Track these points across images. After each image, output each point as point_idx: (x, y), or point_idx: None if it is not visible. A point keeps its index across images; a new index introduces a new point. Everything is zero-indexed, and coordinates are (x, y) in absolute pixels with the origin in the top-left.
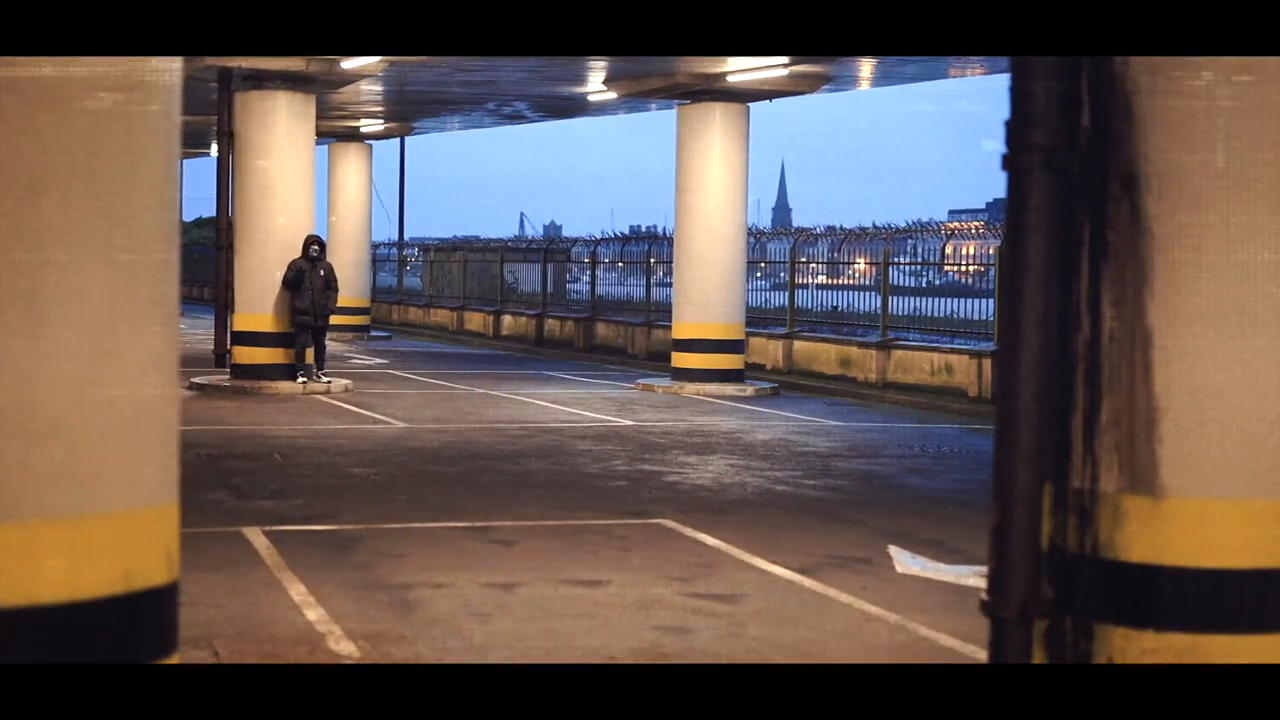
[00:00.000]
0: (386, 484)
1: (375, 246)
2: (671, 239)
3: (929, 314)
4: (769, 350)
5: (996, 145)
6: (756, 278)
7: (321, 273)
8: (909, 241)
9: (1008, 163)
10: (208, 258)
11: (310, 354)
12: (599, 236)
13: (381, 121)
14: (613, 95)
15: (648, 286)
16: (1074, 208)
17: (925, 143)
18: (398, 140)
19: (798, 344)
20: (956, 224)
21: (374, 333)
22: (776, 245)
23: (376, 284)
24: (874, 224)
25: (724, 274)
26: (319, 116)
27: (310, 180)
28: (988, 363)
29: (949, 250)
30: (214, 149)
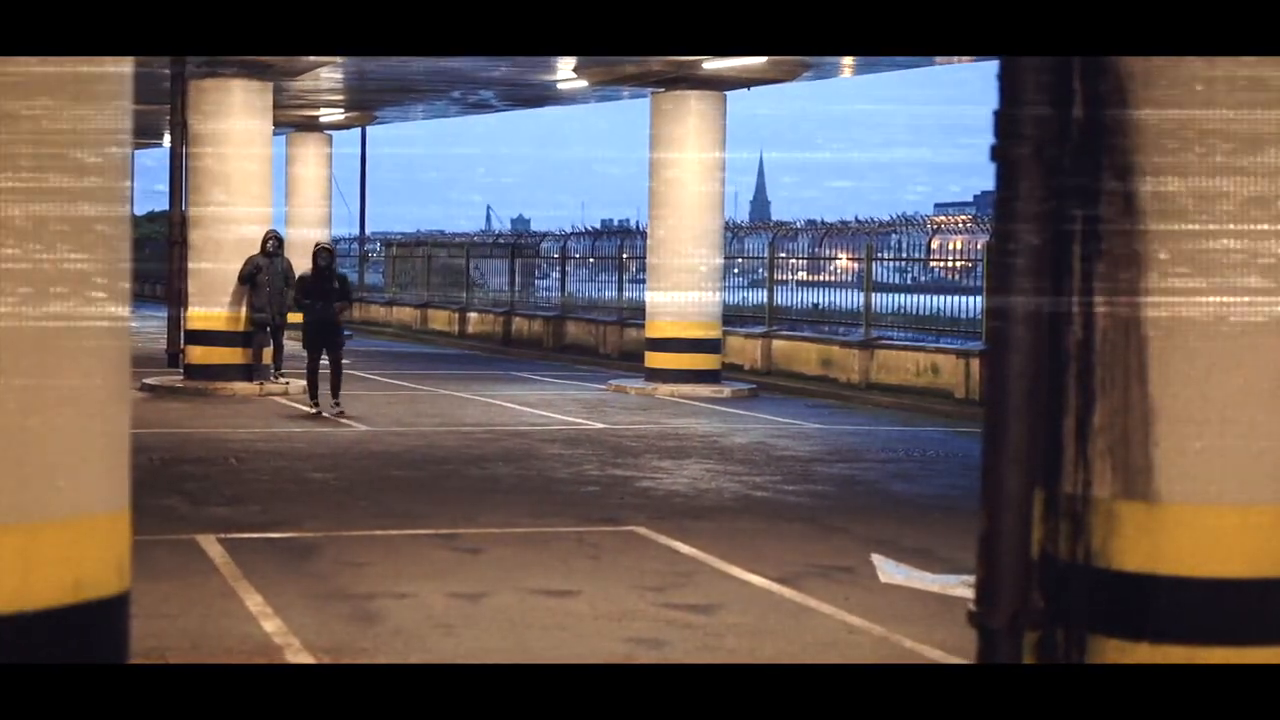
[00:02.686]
0: (347, 489)
1: (335, 241)
2: (645, 234)
3: (914, 312)
4: (747, 350)
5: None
6: (734, 274)
7: (280, 269)
8: (893, 236)
9: (997, 153)
10: (160, 253)
11: (268, 353)
12: (569, 231)
13: (342, 110)
14: (583, 83)
15: (620, 283)
16: (1066, 200)
17: (911, 133)
18: (358, 130)
19: (777, 343)
20: (943, 218)
21: None
22: (755, 240)
23: None
24: (856, 218)
25: (700, 270)
26: (276, 105)
27: (267, 172)
28: (975, 363)
29: (935, 245)
30: (166, 140)
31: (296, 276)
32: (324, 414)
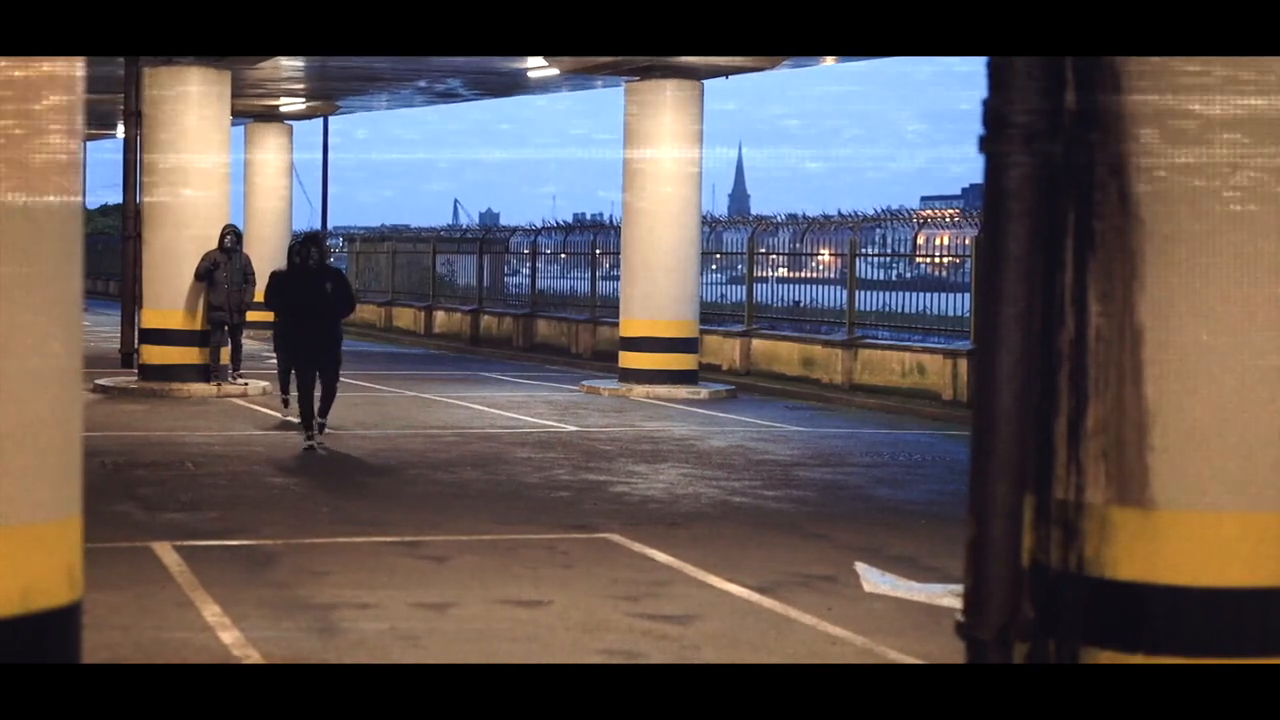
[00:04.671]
0: (308, 495)
1: (296, 235)
2: (619, 228)
3: (899, 310)
4: (725, 349)
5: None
6: (711, 270)
7: (238, 265)
8: (878, 231)
9: (985, 145)
10: (113, 248)
11: (226, 353)
12: (540, 225)
13: (303, 100)
14: (555, 72)
15: (593, 280)
16: (1058, 194)
17: (895, 122)
18: (320, 120)
19: (756, 342)
20: (929, 211)
21: None
22: (733, 235)
23: None
24: (839, 211)
25: (676, 266)
26: (235, 94)
27: (225, 163)
28: (963, 363)
29: (921, 240)
30: (120, 130)
31: (270, 274)
32: (315, 445)
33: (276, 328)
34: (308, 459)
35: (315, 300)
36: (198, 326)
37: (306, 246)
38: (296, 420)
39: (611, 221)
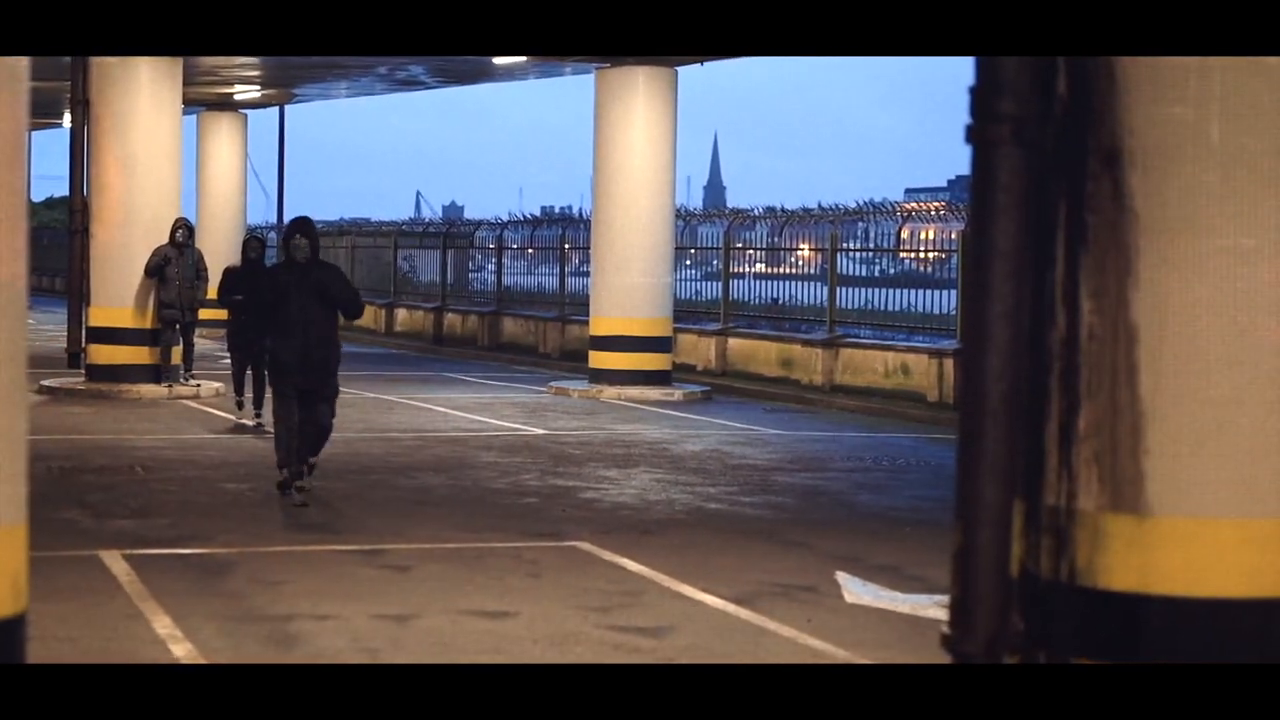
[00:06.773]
0: (264, 501)
1: (252, 230)
2: (589, 222)
3: (882, 307)
4: (700, 349)
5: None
6: (686, 266)
7: (190, 261)
8: (859, 224)
9: (973, 135)
10: (60, 243)
11: (177, 353)
12: (506, 219)
13: (258, 88)
14: (522, 58)
15: (562, 276)
16: (1048, 186)
17: (879, 111)
18: (276, 109)
19: (733, 342)
20: (914, 204)
21: None
22: (709, 229)
23: None
24: (819, 204)
25: (649, 262)
26: (187, 82)
27: (177, 154)
28: (949, 363)
29: (905, 234)
30: (67, 119)
31: (224, 269)
32: (295, 496)
33: (230, 326)
34: (262, 464)
35: (305, 307)
36: (148, 325)
37: (293, 234)
38: (250, 424)
39: (581, 215)
